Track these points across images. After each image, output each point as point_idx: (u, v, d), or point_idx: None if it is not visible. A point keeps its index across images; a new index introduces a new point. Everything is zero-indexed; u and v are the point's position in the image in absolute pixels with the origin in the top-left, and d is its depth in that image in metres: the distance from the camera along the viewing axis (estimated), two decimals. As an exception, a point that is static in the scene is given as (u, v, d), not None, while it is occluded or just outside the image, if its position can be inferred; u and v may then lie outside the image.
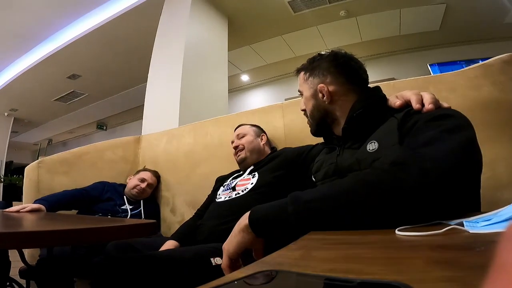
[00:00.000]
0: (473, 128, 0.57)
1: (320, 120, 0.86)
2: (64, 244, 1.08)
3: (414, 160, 0.50)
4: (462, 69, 1.13)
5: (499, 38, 4.10)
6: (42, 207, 1.35)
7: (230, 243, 0.57)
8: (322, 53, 0.89)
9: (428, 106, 0.65)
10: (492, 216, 0.39)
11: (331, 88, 0.83)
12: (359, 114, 0.76)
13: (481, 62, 1.10)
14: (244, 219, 0.56)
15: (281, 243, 0.42)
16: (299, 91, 0.93)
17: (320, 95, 0.84)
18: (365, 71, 0.87)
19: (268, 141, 1.42)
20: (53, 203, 1.42)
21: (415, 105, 0.67)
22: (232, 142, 1.41)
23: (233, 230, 0.58)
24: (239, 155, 1.35)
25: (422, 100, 0.68)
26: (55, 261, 1.24)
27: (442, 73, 1.18)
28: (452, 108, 0.66)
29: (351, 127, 0.78)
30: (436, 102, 0.66)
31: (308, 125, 0.92)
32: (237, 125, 1.48)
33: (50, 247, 1.19)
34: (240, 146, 1.35)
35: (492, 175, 0.95)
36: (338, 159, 0.78)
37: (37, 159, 1.79)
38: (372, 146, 0.69)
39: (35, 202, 1.38)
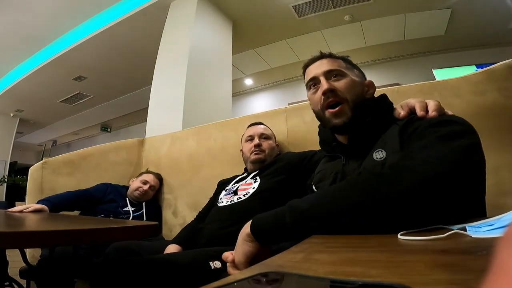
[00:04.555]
0: (477, 135, 0.57)
1: (356, 111, 0.77)
2: (66, 244, 1.08)
3: (408, 163, 0.50)
4: (467, 75, 1.13)
5: (504, 43, 4.09)
6: (45, 207, 1.35)
7: (237, 254, 0.57)
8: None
9: (431, 113, 0.64)
10: (495, 221, 0.38)
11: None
12: (368, 123, 0.74)
13: (485, 67, 1.09)
14: (245, 229, 0.57)
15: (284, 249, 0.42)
16: (333, 71, 0.80)
17: (366, 89, 0.83)
18: None
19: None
20: (56, 203, 1.43)
21: (419, 112, 0.66)
22: (251, 137, 1.36)
23: (237, 241, 0.58)
24: (257, 154, 1.30)
25: (426, 107, 0.67)
26: (56, 262, 1.24)
27: (446, 78, 1.18)
28: (455, 115, 0.65)
29: (358, 135, 0.76)
30: (440, 110, 0.65)
31: (334, 115, 0.77)
32: (251, 123, 1.45)
33: (52, 247, 1.19)
34: (263, 147, 1.31)
35: (496, 181, 0.94)
36: (344, 168, 0.76)
37: (41, 160, 1.80)
38: (379, 154, 0.67)
39: (38, 202, 1.39)
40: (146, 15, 3.61)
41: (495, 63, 1.07)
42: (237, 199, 1.18)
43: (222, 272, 0.86)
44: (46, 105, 6.39)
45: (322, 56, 0.85)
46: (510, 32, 3.95)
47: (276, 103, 5.43)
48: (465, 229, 0.39)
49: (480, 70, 1.10)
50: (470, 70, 1.18)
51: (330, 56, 0.85)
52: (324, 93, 0.78)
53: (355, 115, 0.76)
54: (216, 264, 0.89)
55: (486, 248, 0.29)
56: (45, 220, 1.07)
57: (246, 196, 1.17)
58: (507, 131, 0.99)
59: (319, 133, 0.92)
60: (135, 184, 1.72)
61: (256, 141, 1.33)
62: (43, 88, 5.56)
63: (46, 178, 1.70)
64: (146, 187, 1.71)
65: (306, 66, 0.87)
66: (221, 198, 1.26)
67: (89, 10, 3.92)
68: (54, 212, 1.39)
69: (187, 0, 3.21)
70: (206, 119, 2.54)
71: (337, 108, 0.77)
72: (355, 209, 0.47)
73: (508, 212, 0.39)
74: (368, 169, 0.68)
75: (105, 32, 3.98)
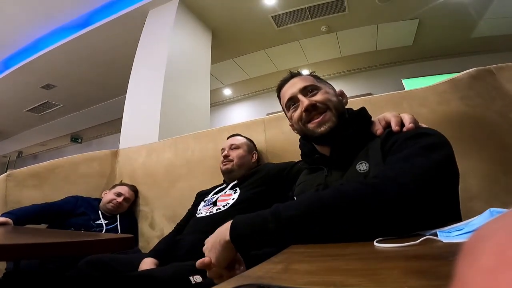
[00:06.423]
0: (451, 146, 0.60)
1: (340, 118, 0.79)
2: (31, 258, 1.02)
3: (393, 174, 0.52)
4: (432, 84, 1.18)
5: (468, 53, 4.32)
6: (9, 220, 1.28)
7: (217, 259, 0.54)
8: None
9: (408, 125, 0.68)
10: (464, 226, 0.40)
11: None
12: (351, 135, 0.76)
13: (450, 77, 1.15)
14: (224, 234, 0.54)
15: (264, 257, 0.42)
16: (307, 87, 0.82)
17: (341, 98, 0.85)
18: None
19: (258, 159, 1.42)
20: (21, 216, 1.35)
21: (394, 127, 0.70)
22: (223, 149, 1.38)
23: (213, 242, 0.56)
24: (225, 165, 1.32)
25: (401, 121, 0.71)
26: (21, 275, 1.17)
27: (414, 88, 1.23)
28: (429, 127, 0.69)
29: (341, 147, 0.76)
30: (415, 122, 0.69)
31: (318, 124, 0.78)
32: (229, 135, 1.46)
33: (16, 261, 1.13)
34: (230, 157, 1.33)
35: (463, 187, 0.98)
36: (327, 180, 0.76)
37: (6, 172, 1.70)
38: (362, 166, 0.69)
39: (1, 215, 1.31)
40: (123, 23, 3.52)
41: (459, 72, 1.14)
42: (217, 210, 1.17)
43: (203, 286, 0.84)
44: (11, 114, 6.02)
45: (292, 75, 0.88)
46: (472, 41, 4.18)
47: (255, 114, 5.45)
48: (436, 234, 0.40)
49: (444, 79, 1.16)
50: (436, 79, 1.23)
51: (299, 74, 0.88)
52: (306, 110, 0.79)
53: (339, 122, 0.78)
54: (197, 278, 0.87)
55: (456, 253, 0.30)
56: (8, 233, 1.03)
57: (226, 207, 1.16)
58: (470, 138, 1.05)
59: (300, 146, 0.92)
60: (108, 196, 1.65)
61: (225, 152, 1.35)
62: (8, 96, 5.24)
63: (10, 191, 1.61)
64: (120, 199, 1.64)
65: (279, 88, 0.89)
66: (200, 209, 1.24)
67: (61, 17, 3.78)
68: (19, 225, 1.31)
69: (166, 7, 3.18)
70: (184, 129, 2.50)
71: (320, 117, 0.78)
72: (339, 217, 0.48)
73: (476, 217, 0.41)
74: (354, 179, 0.68)
75: (77, 39, 3.84)
